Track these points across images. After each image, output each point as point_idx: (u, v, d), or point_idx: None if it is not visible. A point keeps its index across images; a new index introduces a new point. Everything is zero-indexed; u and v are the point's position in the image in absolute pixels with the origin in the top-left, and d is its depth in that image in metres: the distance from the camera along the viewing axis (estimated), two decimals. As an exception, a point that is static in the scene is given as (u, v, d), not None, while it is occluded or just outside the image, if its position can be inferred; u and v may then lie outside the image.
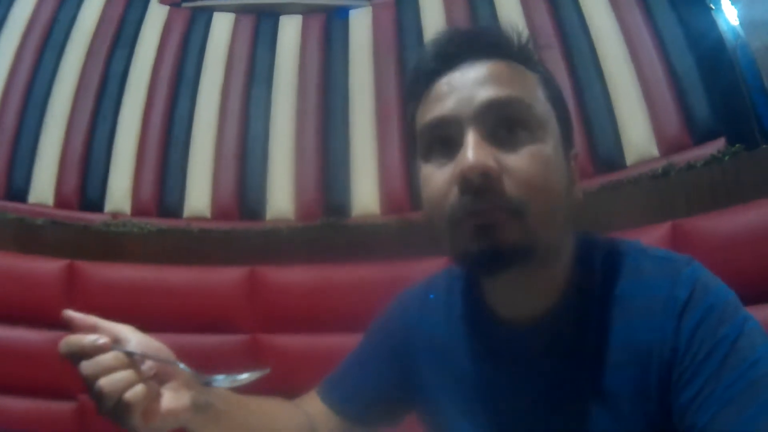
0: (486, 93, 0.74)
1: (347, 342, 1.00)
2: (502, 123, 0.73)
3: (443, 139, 0.75)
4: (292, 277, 2.03)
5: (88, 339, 0.70)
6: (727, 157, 1.76)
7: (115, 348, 0.71)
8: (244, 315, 2.00)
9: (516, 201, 0.70)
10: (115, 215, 2.33)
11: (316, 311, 1.95)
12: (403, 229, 2.05)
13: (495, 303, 0.82)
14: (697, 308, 0.70)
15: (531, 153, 0.72)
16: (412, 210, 2.21)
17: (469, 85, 0.75)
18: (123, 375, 0.69)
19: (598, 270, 0.78)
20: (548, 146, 0.74)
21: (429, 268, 1.01)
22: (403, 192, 2.29)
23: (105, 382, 0.68)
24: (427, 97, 0.78)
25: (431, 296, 0.95)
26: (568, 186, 0.76)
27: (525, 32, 0.82)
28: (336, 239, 2.09)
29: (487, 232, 0.70)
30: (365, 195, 2.32)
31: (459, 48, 0.79)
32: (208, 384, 0.77)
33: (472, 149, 0.71)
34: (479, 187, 0.69)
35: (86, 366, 0.69)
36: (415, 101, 0.81)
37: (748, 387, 0.65)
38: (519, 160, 0.71)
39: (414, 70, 0.83)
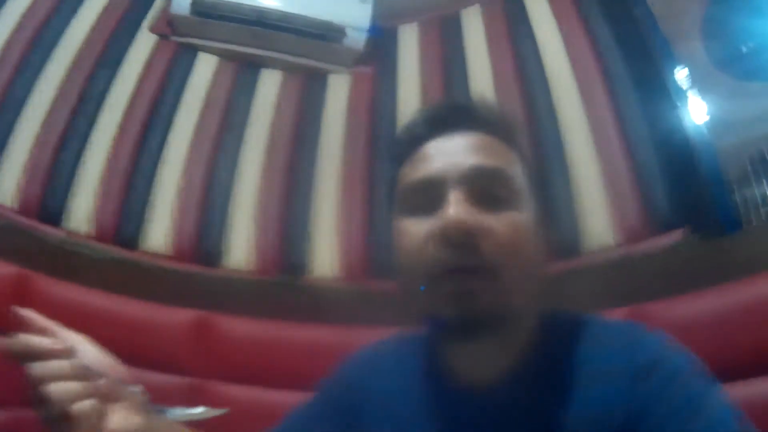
0: (473, 159, 0.79)
1: (290, 399, 1.02)
2: (485, 189, 0.77)
3: (426, 198, 0.78)
4: (242, 328, 2.06)
5: (46, 341, 0.71)
6: (683, 248, 1.87)
7: (71, 358, 0.71)
8: (189, 358, 2.02)
9: (492, 261, 0.73)
10: (71, 234, 2.31)
11: (262, 365, 1.98)
12: (359, 295, 2.10)
13: (453, 366, 0.83)
14: (659, 373, 0.72)
15: (509, 218, 0.76)
16: (369, 277, 2.26)
17: (457, 151, 0.80)
18: (74, 386, 0.69)
19: (559, 336, 0.80)
20: (524, 216, 0.78)
21: (381, 337, 1.02)
22: (362, 258, 2.34)
23: (55, 389, 0.67)
24: (414, 158, 0.82)
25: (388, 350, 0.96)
26: (538, 257, 0.80)
27: (510, 115, 0.89)
28: (290, 297, 2.13)
29: (463, 298, 0.72)
30: (324, 257, 2.37)
31: (450, 117, 0.84)
32: (159, 413, 0.79)
33: (455, 206, 0.74)
34: (459, 242, 0.72)
35: (38, 367, 0.69)
36: (399, 161, 0.85)
37: None
38: (497, 223, 0.75)
39: (403, 132, 0.87)
